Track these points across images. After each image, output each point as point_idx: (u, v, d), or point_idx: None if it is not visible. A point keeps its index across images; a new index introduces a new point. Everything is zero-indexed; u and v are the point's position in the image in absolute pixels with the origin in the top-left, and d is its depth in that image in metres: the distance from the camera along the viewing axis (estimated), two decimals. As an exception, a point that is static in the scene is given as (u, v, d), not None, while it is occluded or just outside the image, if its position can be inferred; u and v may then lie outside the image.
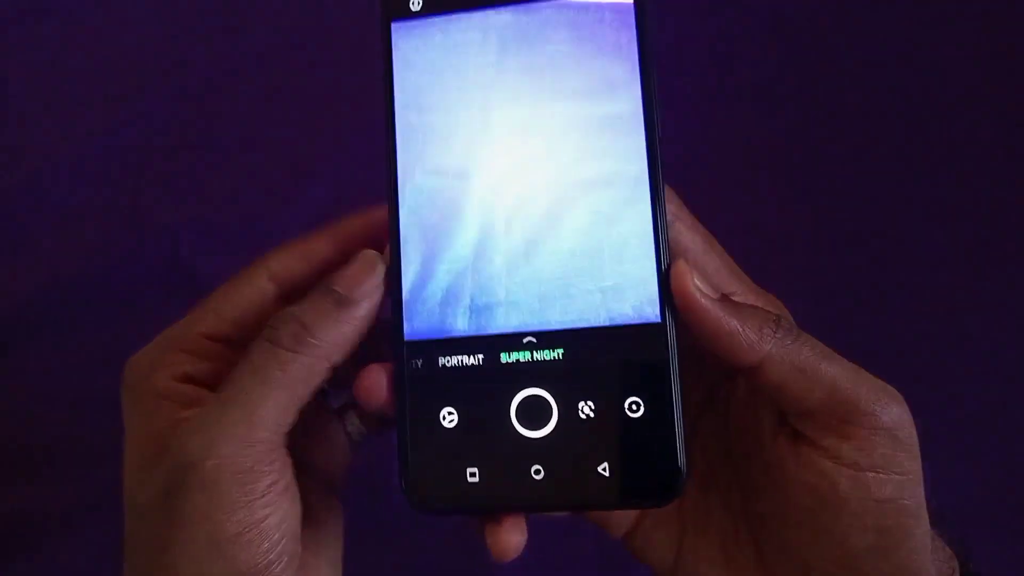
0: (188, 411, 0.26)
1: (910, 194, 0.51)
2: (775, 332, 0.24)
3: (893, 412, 0.24)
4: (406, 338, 0.26)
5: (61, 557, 0.44)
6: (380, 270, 0.26)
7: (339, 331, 0.25)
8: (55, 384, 0.47)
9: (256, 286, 0.28)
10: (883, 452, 0.24)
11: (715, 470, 0.28)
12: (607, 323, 0.25)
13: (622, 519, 0.29)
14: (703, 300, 0.24)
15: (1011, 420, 0.47)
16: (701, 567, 0.28)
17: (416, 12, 0.27)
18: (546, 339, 0.25)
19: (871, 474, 0.24)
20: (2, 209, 0.50)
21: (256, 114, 0.52)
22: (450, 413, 0.25)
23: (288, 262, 0.28)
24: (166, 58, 0.53)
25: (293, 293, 0.27)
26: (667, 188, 0.26)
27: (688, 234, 0.26)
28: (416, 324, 0.26)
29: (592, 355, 0.25)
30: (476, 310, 0.25)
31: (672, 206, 0.26)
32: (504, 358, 0.25)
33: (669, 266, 0.24)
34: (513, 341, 0.25)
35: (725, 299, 0.24)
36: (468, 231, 0.26)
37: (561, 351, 0.25)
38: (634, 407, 0.24)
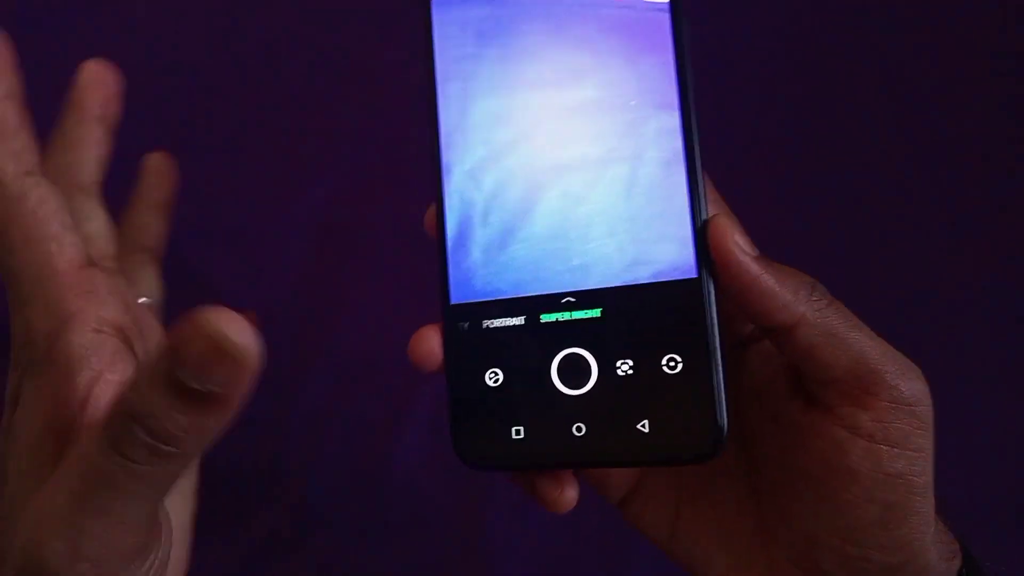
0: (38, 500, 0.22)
1: (911, 194, 0.51)
2: (811, 295, 0.24)
3: (916, 387, 0.24)
4: (451, 301, 0.27)
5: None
6: (232, 351, 0.20)
7: (203, 429, 0.21)
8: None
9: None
10: (900, 426, 0.24)
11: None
12: (644, 280, 0.25)
13: (620, 482, 0.29)
14: (742, 256, 0.24)
15: (1011, 420, 0.47)
16: (697, 537, 0.28)
17: None
18: (585, 298, 0.25)
19: (885, 447, 0.24)
20: (2, 209, 0.50)
21: (256, 114, 0.52)
22: (494, 373, 0.26)
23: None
24: (166, 58, 0.53)
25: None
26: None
27: (716, 205, 0.27)
28: (461, 287, 0.27)
29: (630, 313, 0.25)
30: (517, 271, 0.26)
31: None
32: (544, 318, 0.26)
33: (706, 221, 0.25)
34: (552, 301, 0.26)
35: (763, 257, 0.24)
36: (510, 195, 0.26)
37: (600, 310, 0.25)
38: (672, 363, 0.24)
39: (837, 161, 0.52)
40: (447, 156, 0.27)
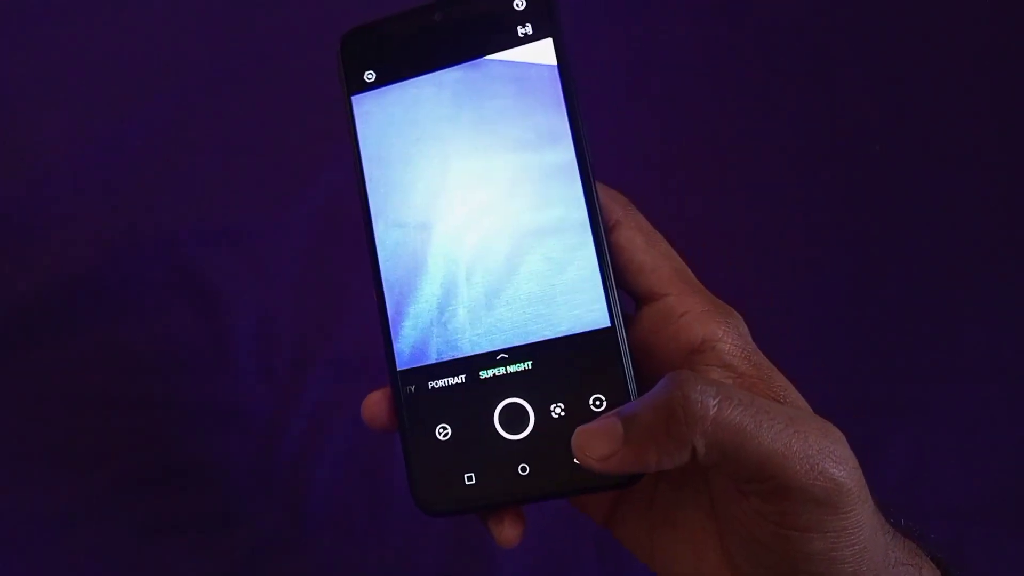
0: None
1: (911, 194, 0.51)
2: (699, 424, 0.23)
3: (827, 485, 0.23)
4: (398, 368, 0.30)
5: (61, 557, 0.44)
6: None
7: None
8: (55, 384, 0.47)
9: None
10: (809, 516, 0.23)
11: (687, 471, 0.27)
12: (566, 333, 0.28)
13: (598, 507, 0.31)
14: (605, 463, 0.24)
15: (1012, 419, 0.47)
16: (674, 555, 0.29)
17: (371, 83, 0.31)
18: (516, 353, 0.29)
19: (795, 532, 0.24)
20: (2, 210, 0.50)
21: (256, 115, 0.52)
22: (443, 428, 0.29)
23: None
24: (166, 59, 0.53)
25: None
26: (616, 191, 0.29)
27: (629, 233, 0.28)
28: (404, 354, 0.30)
29: (557, 362, 0.28)
30: (453, 334, 0.29)
31: (618, 207, 0.28)
32: (483, 375, 0.29)
33: (575, 434, 0.26)
34: (488, 359, 0.29)
35: (626, 421, 0.24)
36: (432, 283, 0.30)
37: (530, 362, 0.28)
38: (597, 402, 0.27)
39: (838, 161, 0.52)
40: (378, 238, 0.30)
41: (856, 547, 0.24)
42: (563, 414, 0.28)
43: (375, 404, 0.29)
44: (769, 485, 0.23)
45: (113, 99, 0.52)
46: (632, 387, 0.27)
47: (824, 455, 0.23)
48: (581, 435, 0.25)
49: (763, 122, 0.53)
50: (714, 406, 0.23)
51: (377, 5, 0.55)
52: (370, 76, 0.31)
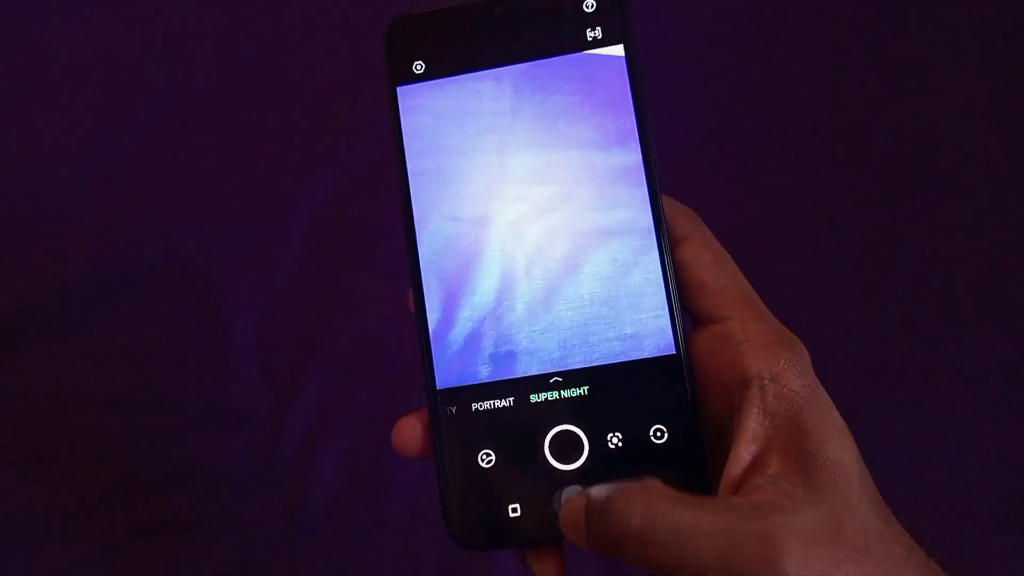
0: None
1: (911, 194, 0.51)
2: (686, 220, 0.26)
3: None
4: (438, 387, 0.27)
5: (61, 557, 0.44)
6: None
7: None
8: (55, 384, 0.47)
9: None
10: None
11: None
12: (626, 359, 0.26)
13: None
14: (582, 533, 0.23)
15: (1012, 420, 0.47)
16: None
17: (420, 75, 0.29)
18: (571, 377, 0.26)
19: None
20: (2, 209, 0.50)
21: (255, 114, 0.52)
22: (487, 454, 0.26)
23: None
24: (165, 58, 0.53)
25: None
26: (685, 204, 0.27)
27: (695, 250, 0.27)
28: (446, 372, 0.27)
29: (615, 389, 0.26)
30: (501, 356, 0.27)
31: (685, 220, 0.27)
32: (534, 398, 0.26)
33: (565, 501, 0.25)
34: (540, 381, 0.26)
35: (590, 506, 0.23)
36: (489, 277, 0.27)
37: (586, 387, 0.26)
38: (659, 434, 0.26)
39: (838, 160, 0.52)
40: (421, 241, 0.28)
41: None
42: (620, 444, 0.26)
43: (409, 430, 0.27)
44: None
45: (113, 99, 0.52)
46: (697, 418, 0.25)
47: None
48: (562, 513, 0.24)
49: (763, 122, 0.53)
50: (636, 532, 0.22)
51: (378, 6, 0.55)
52: (419, 67, 0.28)
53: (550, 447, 0.26)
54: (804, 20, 0.54)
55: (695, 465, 0.25)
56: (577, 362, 0.26)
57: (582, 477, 0.26)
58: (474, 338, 0.27)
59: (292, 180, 0.51)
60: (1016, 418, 0.47)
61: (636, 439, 0.26)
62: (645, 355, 0.26)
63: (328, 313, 0.49)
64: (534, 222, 0.27)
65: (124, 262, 0.49)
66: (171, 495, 0.45)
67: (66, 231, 0.49)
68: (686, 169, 0.52)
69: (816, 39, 0.54)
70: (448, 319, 0.27)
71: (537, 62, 0.28)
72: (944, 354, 0.48)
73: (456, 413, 0.27)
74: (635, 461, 0.26)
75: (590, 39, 0.28)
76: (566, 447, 0.26)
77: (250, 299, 0.49)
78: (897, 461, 0.46)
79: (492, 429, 0.26)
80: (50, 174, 0.50)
